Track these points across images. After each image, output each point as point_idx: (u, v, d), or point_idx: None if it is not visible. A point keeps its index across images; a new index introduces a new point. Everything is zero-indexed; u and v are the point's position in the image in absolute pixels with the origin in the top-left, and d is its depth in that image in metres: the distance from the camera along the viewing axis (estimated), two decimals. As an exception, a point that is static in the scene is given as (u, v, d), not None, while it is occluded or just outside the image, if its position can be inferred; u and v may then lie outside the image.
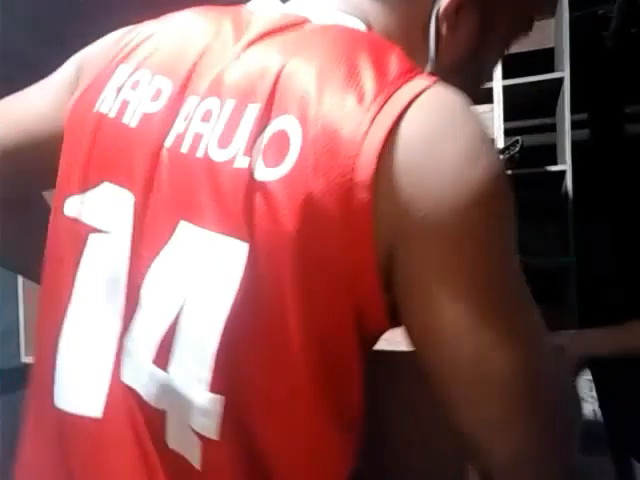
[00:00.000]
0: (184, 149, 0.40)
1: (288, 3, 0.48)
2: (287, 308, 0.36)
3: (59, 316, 0.44)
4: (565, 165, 1.60)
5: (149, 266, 0.41)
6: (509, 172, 1.43)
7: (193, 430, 0.39)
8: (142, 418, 0.42)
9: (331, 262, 0.36)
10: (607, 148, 2.45)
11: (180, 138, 0.41)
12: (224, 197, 0.38)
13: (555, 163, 1.71)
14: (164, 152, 0.41)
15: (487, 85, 1.47)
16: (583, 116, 2.46)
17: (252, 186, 0.37)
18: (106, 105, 0.46)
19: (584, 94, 1.80)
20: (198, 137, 0.40)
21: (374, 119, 0.35)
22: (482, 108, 1.65)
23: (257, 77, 0.39)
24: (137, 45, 0.48)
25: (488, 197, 0.35)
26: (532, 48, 1.96)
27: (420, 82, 0.37)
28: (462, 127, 0.37)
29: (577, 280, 1.59)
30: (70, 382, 0.44)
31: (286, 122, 0.37)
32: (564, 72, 1.61)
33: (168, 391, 0.40)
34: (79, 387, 0.44)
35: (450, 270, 0.35)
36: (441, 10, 0.44)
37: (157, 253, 0.40)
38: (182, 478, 0.41)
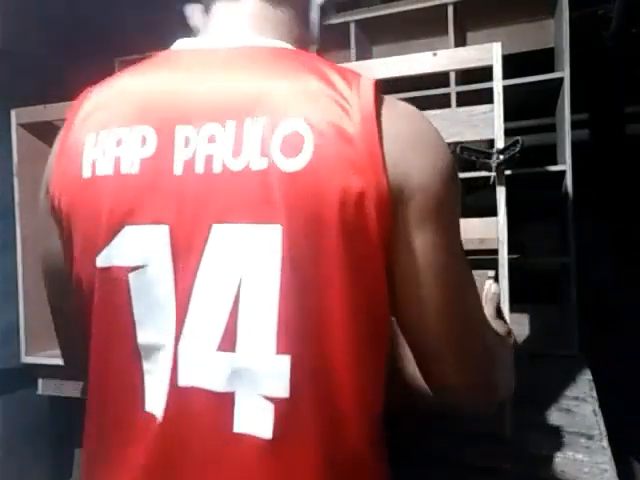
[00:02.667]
0: (199, 170, 0.48)
1: (213, 35, 0.57)
2: (331, 267, 0.45)
3: (130, 349, 0.50)
4: (565, 165, 1.61)
5: (194, 275, 0.47)
6: (509, 172, 1.43)
7: (264, 397, 0.46)
8: (207, 412, 0.48)
9: (366, 225, 0.45)
10: (607, 148, 2.45)
11: (190, 163, 0.48)
12: (251, 194, 0.46)
13: (555, 163, 1.71)
14: (178, 180, 0.48)
15: (487, 85, 1.47)
16: (583, 116, 2.46)
17: (276, 178, 0.45)
18: (100, 168, 0.50)
19: (584, 94, 1.80)
20: (210, 157, 0.47)
21: (361, 108, 0.46)
22: (482, 108, 1.65)
23: (250, 98, 0.48)
24: (98, 117, 0.52)
25: (453, 174, 0.51)
26: (532, 48, 1.96)
27: (366, 78, 0.49)
28: (427, 127, 0.52)
29: (577, 280, 1.59)
30: (153, 391, 0.50)
31: (295, 124, 0.46)
32: (564, 72, 1.61)
33: (237, 369, 0.46)
34: (155, 394, 0.49)
35: (433, 220, 0.49)
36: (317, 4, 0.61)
37: (198, 262, 0.47)
38: (247, 460, 0.46)
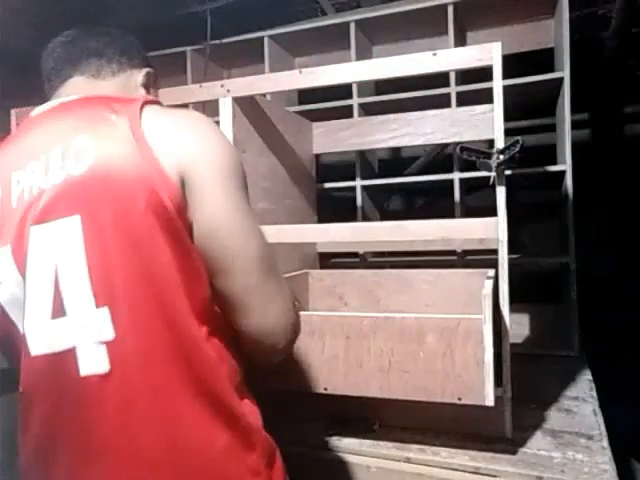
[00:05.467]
0: (26, 197, 0.65)
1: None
2: (131, 232, 0.61)
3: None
4: (565, 165, 1.61)
5: (25, 270, 0.64)
6: (509, 172, 1.42)
7: (99, 342, 0.61)
8: (55, 369, 0.62)
9: (152, 195, 0.61)
10: (607, 148, 2.45)
11: (21, 195, 0.65)
12: (56, 199, 0.62)
13: (555, 163, 1.71)
14: (15, 210, 0.65)
15: (487, 85, 1.47)
16: (583, 116, 2.46)
17: (71, 182, 0.62)
18: None
19: (584, 94, 1.80)
20: (31, 185, 0.65)
21: (130, 118, 0.64)
22: (482, 108, 1.65)
23: (56, 133, 0.67)
24: None
25: (224, 148, 0.69)
26: (532, 48, 1.96)
27: (141, 99, 0.68)
28: (194, 118, 0.69)
29: (577, 279, 1.59)
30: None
31: (81, 140, 0.64)
32: (564, 72, 1.61)
33: (72, 327, 0.61)
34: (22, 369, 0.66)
35: (217, 187, 0.65)
36: (140, 83, 0.81)
37: (25, 259, 0.64)
38: (95, 394, 0.61)
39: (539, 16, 1.90)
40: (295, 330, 0.73)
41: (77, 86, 0.76)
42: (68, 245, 0.61)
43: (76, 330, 0.61)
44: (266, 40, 2.08)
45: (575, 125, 1.63)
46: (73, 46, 0.78)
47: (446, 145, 2.16)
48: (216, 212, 0.65)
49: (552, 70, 1.74)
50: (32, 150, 0.67)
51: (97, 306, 0.60)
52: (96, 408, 0.61)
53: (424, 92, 1.81)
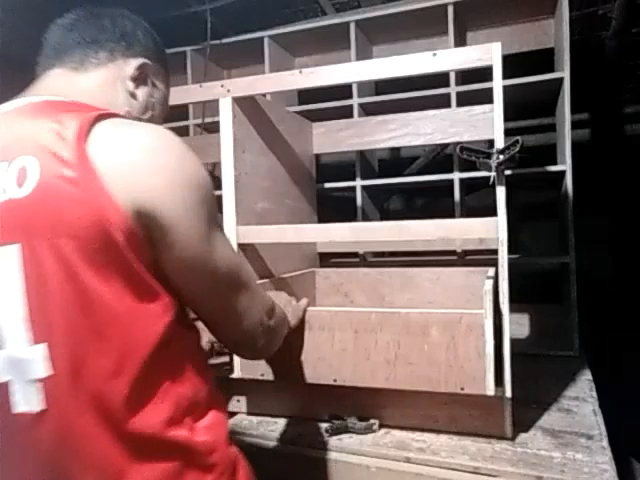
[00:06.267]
0: None
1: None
2: (72, 264, 0.56)
3: None
4: (565, 165, 1.61)
5: None
6: (509, 172, 1.42)
7: (33, 380, 0.58)
8: None
9: (103, 227, 0.55)
10: (607, 148, 2.45)
11: None
12: None
13: (555, 163, 1.71)
14: None
15: (487, 85, 1.47)
16: (583, 116, 2.46)
17: (9, 205, 0.57)
18: None
19: (584, 94, 1.80)
20: None
21: (74, 138, 0.57)
22: (482, 108, 1.65)
23: (4, 144, 0.61)
24: None
25: (182, 178, 0.62)
26: (532, 48, 1.96)
27: (93, 113, 0.60)
28: (152, 142, 0.61)
29: (577, 279, 1.60)
30: None
31: (25, 159, 0.58)
32: (564, 72, 1.61)
33: (8, 362, 0.59)
34: None
35: (181, 220, 0.60)
36: (128, 75, 0.73)
37: None
38: (30, 431, 0.59)
39: (539, 16, 1.90)
40: (265, 340, 0.77)
41: (52, 81, 0.70)
42: (6, 276, 0.57)
43: (10, 365, 0.59)
44: (266, 40, 2.08)
45: (575, 125, 1.64)
46: (68, 31, 0.72)
47: (446, 145, 2.16)
48: (184, 254, 0.61)
49: (552, 70, 1.74)
50: None
51: (34, 342, 0.57)
52: (31, 444, 0.59)
53: (424, 92, 1.81)
